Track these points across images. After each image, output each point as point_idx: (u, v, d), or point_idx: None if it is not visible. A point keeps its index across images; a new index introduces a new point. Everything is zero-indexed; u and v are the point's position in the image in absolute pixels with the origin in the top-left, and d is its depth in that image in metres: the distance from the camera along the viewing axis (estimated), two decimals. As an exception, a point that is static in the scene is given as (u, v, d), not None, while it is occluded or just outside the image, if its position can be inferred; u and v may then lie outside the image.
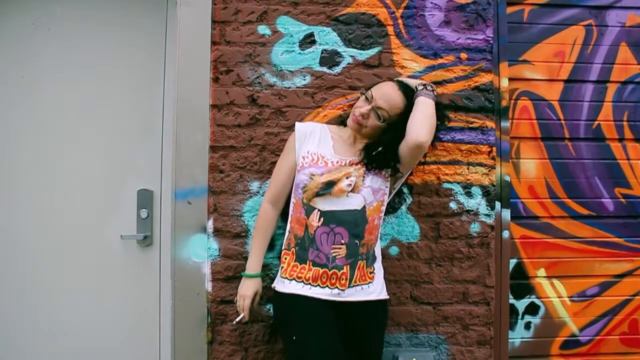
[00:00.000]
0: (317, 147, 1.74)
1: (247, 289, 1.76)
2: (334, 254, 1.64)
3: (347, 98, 1.97)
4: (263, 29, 1.97)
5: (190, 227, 1.92)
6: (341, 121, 1.85)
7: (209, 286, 1.93)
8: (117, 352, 2.10)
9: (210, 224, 1.93)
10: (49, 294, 2.08)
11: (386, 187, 1.74)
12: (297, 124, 1.81)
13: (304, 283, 1.65)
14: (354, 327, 1.66)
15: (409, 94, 1.73)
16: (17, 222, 2.08)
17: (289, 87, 1.97)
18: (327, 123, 1.91)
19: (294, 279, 1.67)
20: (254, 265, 1.78)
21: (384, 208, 1.76)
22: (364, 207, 1.67)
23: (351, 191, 1.65)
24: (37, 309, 2.08)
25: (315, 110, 1.97)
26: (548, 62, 2.18)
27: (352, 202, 1.66)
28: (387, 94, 1.70)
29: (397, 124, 1.69)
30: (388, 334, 1.95)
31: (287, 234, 1.75)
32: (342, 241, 1.64)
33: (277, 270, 1.84)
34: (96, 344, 2.09)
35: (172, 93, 1.98)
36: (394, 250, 1.96)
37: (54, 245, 2.08)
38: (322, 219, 1.65)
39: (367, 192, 1.67)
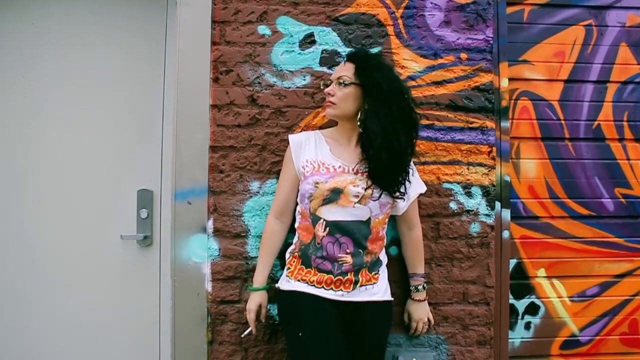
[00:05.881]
0: (315, 154, 1.72)
1: (251, 302, 1.76)
2: (340, 262, 1.64)
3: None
4: (263, 29, 1.97)
5: (190, 227, 1.92)
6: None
7: (209, 286, 1.93)
8: (117, 352, 2.10)
9: (210, 224, 1.93)
10: (49, 293, 2.08)
11: (394, 201, 1.71)
12: (290, 136, 1.80)
13: (308, 284, 1.66)
14: (357, 327, 1.66)
15: (357, 62, 1.70)
16: (17, 222, 2.08)
17: (289, 87, 1.97)
18: (320, 128, 1.91)
19: (299, 280, 1.68)
20: (258, 278, 1.78)
21: (387, 219, 1.75)
22: (369, 218, 1.66)
23: (358, 202, 1.65)
24: (37, 309, 2.08)
25: (315, 110, 1.97)
26: (548, 62, 2.19)
27: (358, 213, 1.65)
28: (338, 68, 1.78)
29: (365, 84, 1.65)
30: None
31: (294, 239, 1.76)
32: (348, 250, 1.65)
33: (280, 272, 1.85)
34: (96, 344, 2.09)
35: (172, 93, 1.98)
36: (394, 250, 1.96)
37: (54, 245, 2.08)
38: (327, 229, 1.65)
39: (374, 205, 1.66)
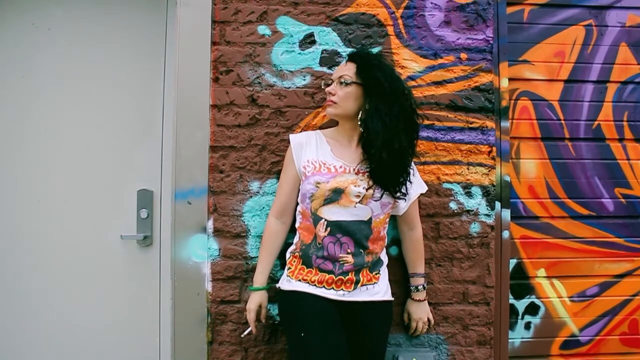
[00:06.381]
0: (316, 154, 1.72)
1: (250, 302, 1.76)
2: (341, 262, 1.64)
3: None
4: (263, 29, 1.97)
5: (190, 227, 1.92)
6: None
7: (209, 286, 1.93)
8: (117, 352, 2.10)
9: (210, 224, 1.93)
10: (49, 293, 2.08)
11: (395, 201, 1.71)
12: (290, 136, 1.81)
13: (309, 284, 1.66)
14: (358, 326, 1.66)
15: (358, 61, 1.71)
16: (17, 222, 2.08)
17: (289, 87, 1.97)
18: (320, 128, 1.92)
19: (300, 280, 1.68)
20: (258, 278, 1.77)
21: (388, 219, 1.76)
22: (370, 218, 1.66)
23: (359, 202, 1.65)
24: (38, 309, 2.08)
25: (315, 110, 1.97)
26: (548, 62, 2.19)
27: (359, 213, 1.65)
28: (339, 67, 1.80)
29: (366, 83, 1.66)
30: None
31: (295, 239, 1.76)
32: (349, 250, 1.65)
33: (280, 272, 1.85)
34: (96, 344, 2.09)
35: (172, 93, 1.98)
36: (394, 250, 1.96)
37: (54, 245, 2.08)
38: (328, 229, 1.64)
39: (376, 205, 1.66)
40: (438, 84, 2.02)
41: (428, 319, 1.92)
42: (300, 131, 1.94)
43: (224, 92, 1.95)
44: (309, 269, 1.67)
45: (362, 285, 1.67)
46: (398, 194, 1.68)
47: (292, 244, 1.78)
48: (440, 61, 2.02)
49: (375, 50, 1.99)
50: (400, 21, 2.02)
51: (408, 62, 2.01)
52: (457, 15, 2.04)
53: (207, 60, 1.94)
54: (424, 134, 1.97)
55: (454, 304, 2.01)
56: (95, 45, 2.10)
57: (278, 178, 1.86)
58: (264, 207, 1.94)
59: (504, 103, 2.13)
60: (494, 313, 2.04)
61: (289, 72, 1.97)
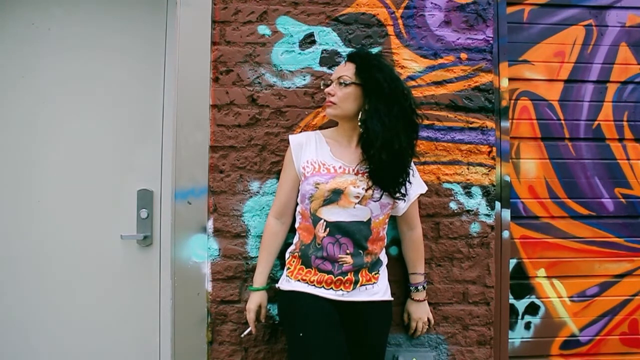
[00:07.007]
0: (316, 155, 1.72)
1: (250, 303, 1.76)
2: (340, 262, 1.64)
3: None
4: (263, 29, 1.97)
5: (190, 227, 1.92)
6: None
7: (209, 286, 1.93)
8: (117, 352, 2.10)
9: (210, 224, 1.93)
10: (49, 293, 2.08)
11: (394, 201, 1.72)
12: (290, 136, 1.81)
13: (308, 284, 1.66)
14: (357, 327, 1.66)
15: (357, 61, 1.71)
16: (17, 222, 2.08)
17: (289, 87, 1.97)
18: (320, 128, 1.92)
19: (299, 280, 1.68)
20: (257, 278, 1.78)
21: (388, 219, 1.76)
22: (370, 219, 1.66)
23: (358, 203, 1.65)
24: (38, 309, 2.08)
25: (315, 110, 1.97)
26: (548, 62, 2.19)
27: (358, 214, 1.65)
28: (338, 67, 1.78)
29: (365, 84, 1.66)
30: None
31: (295, 239, 1.76)
32: (348, 251, 1.65)
33: (280, 272, 1.85)
34: (96, 344, 2.09)
35: (172, 93, 1.98)
36: (394, 250, 1.96)
37: (54, 245, 2.08)
38: (327, 230, 1.65)
39: (375, 206, 1.66)
40: (438, 84, 2.02)
41: (428, 319, 1.92)
42: (300, 131, 1.94)
43: (224, 92, 1.95)
44: (308, 269, 1.67)
45: (361, 285, 1.67)
46: (397, 195, 1.68)
47: (291, 244, 1.78)
48: (440, 61, 2.03)
49: (375, 50, 1.99)
50: (400, 21, 2.02)
51: (408, 62, 2.01)
52: (457, 15, 2.04)
53: (207, 60, 1.95)
54: (424, 134, 1.98)
55: (454, 304, 2.01)
56: (95, 45, 2.11)
57: (278, 178, 1.86)
58: (264, 207, 1.94)
59: (504, 103, 2.13)
60: (494, 313, 2.04)
61: (289, 72, 1.97)
